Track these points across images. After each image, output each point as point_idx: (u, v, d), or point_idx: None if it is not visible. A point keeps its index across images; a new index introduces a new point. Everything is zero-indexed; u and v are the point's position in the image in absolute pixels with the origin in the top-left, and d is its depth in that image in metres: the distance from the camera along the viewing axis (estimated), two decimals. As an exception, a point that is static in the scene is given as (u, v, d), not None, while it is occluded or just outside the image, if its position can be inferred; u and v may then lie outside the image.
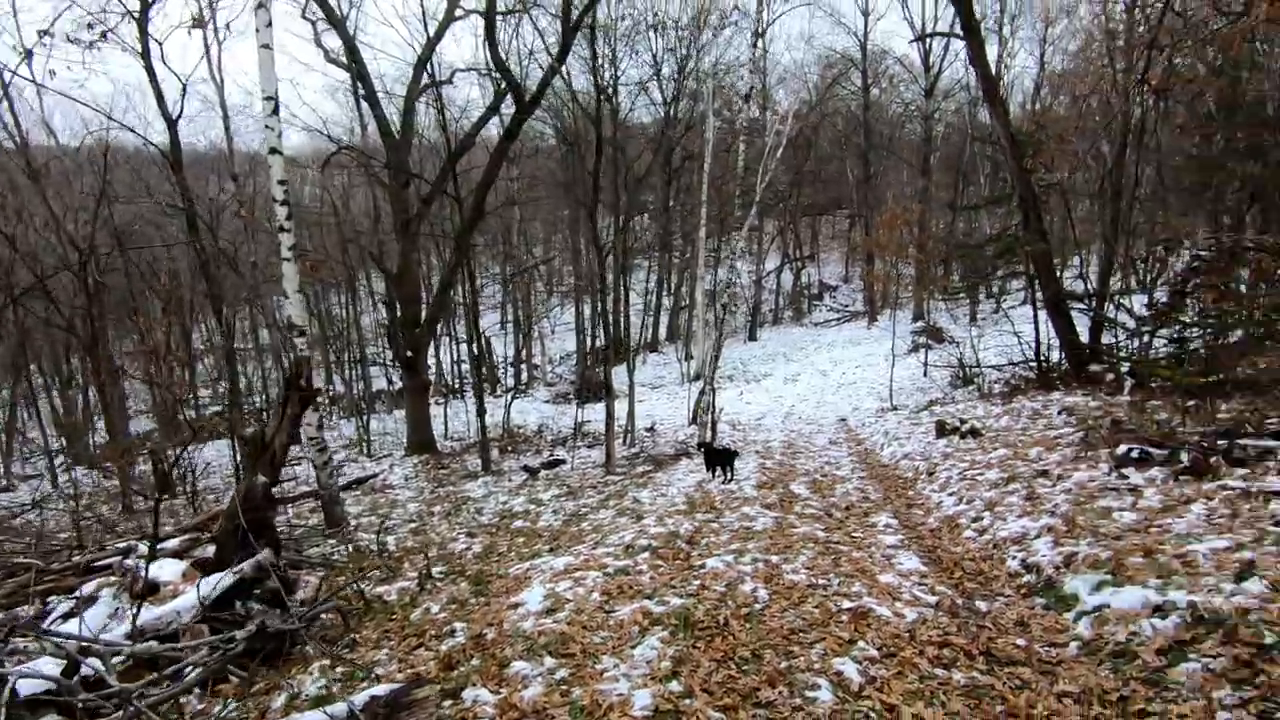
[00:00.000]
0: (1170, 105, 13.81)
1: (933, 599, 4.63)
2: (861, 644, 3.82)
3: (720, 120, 35.72)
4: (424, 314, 17.29)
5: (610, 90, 32.46)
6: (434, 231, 18.89)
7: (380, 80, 16.89)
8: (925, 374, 19.64)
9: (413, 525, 10.35)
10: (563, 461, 14.70)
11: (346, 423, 24.65)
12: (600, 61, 29.81)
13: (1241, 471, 5.95)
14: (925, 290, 20.64)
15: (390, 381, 27.79)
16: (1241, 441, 6.56)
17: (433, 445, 17.64)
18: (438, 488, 13.82)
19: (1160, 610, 3.80)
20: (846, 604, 4.47)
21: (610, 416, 11.87)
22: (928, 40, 26.32)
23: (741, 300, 39.05)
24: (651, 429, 17.98)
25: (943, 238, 25.40)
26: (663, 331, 36.81)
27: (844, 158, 39.67)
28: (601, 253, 10.95)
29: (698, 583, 5.06)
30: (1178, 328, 12.94)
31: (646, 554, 5.94)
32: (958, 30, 14.83)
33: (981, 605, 4.59)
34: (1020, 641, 3.92)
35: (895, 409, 16.06)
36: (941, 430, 10.96)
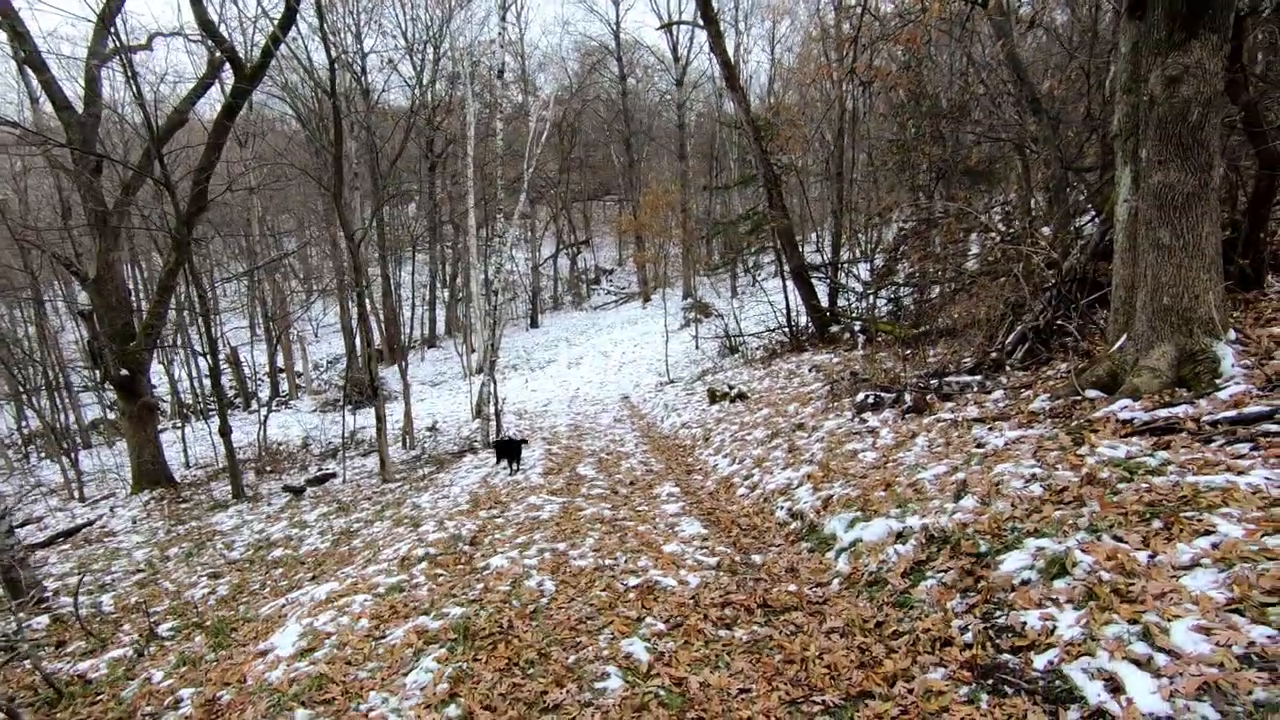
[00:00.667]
0: (874, 96, 15.84)
1: (713, 560, 4.74)
2: (649, 620, 3.75)
3: (482, 104, 34.80)
4: (139, 325, 14.62)
5: (357, 67, 30.12)
6: (150, 226, 15.95)
7: (54, 42, 13.78)
8: (697, 346, 20.82)
9: (140, 576, 8.67)
10: (333, 475, 13.33)
11: (49, 464, 20.33)
12: (339, 33, 27.45)
13: (949, 405, 6.91)
14: (691, 268, 21.85)
15: (109, 409, 23.40)
16: (948, 379, 7.64)
17: (167, 477, 15.07)
18: (175, 526, 11.79)
19: (901, 536, 4.20)
20: (633, 580, 4.41)
21: (380, 420, 10.91)
22: (674, 29, 27.68)
23: (520, 288, 38.66)
24: (434, 428, 17.02)
25: (701, 218, 27.15)
26: (441, 326, 35.19)
27: (609, 143, 40.65)
28: (353, 241, 9.89)
29: (480, 586, 4.71)
30: (893, 288, 15.01)
31: (424, 564, 5.44)
32: (699, 20, 15.67)
33: (757, 559, 4.79)
34: (791, 587, 4.12)
35: (672, 382, 16.80)
36: (713, 397, 11.59)
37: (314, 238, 39.33)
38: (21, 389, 17.60)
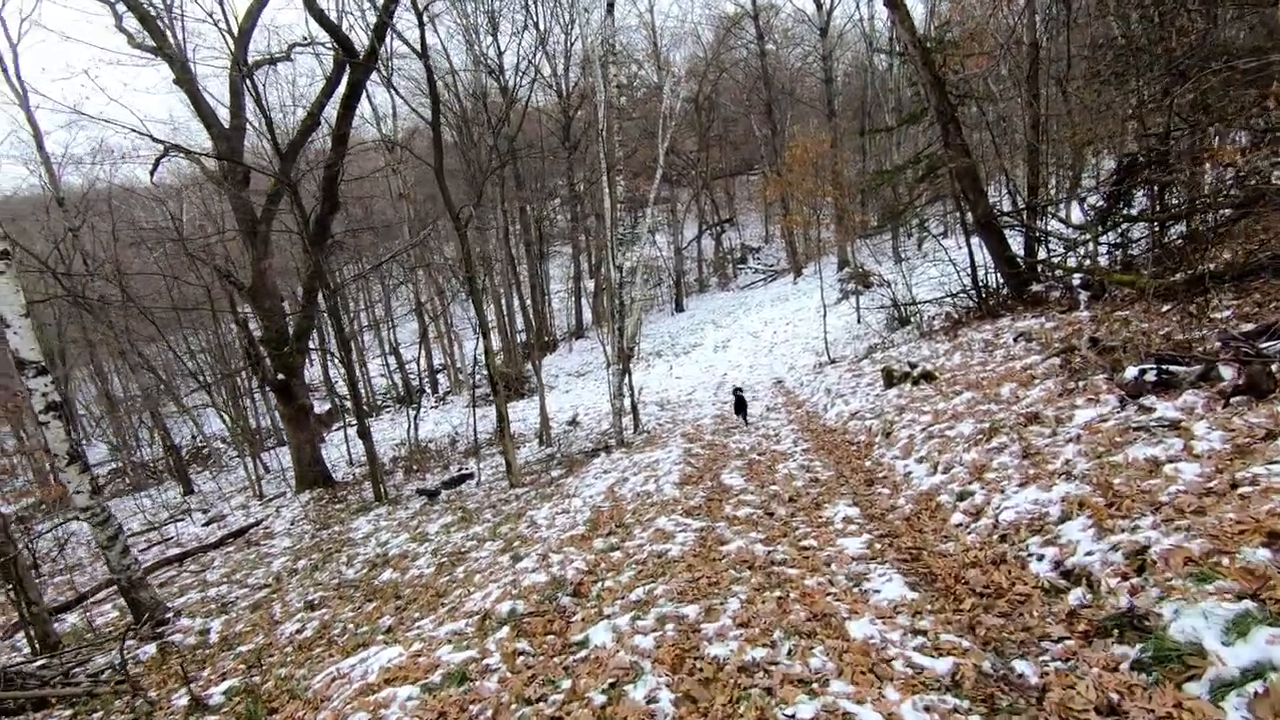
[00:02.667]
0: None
1: (945, 668, 2.72)
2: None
3: (615, 86, 33.61)
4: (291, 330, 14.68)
5: (494, 66, 30.01)
6: (290, 230, 16.07)
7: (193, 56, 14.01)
8: (859, 320, 18.14)
9: (265, 591, 8.04)
10: (470, 476, 12.50)
11: (237, 463, 21.72)
12: (477, 33, 27.29)
13: (1303, 380, 4.27)
14: (846, 234, 19.11)
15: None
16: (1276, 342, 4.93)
17: (326, 478, 15.11)
18: (320, 530, 11.44)
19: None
20: (806, 711, 2.51)
21: (502, 420, 9.71)
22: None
23: (665, 273, 37.26)
24: (574, 421, 15.90)
25: (855, 181, 23.98)
26: (588, 316, 34.64)
27: (749, 114, 38.01)
28: (459, 222, 8.67)
29: (567, 685, 3.03)
30: (1118, 231, 11.63)
31: (507, 630, 3.87)
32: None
33: (1026, 669, 2.70)
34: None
35: (834, 362, 14.41)
36: (890, 378, 9.23)
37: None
38: (223, 398, 18.72)
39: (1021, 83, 13.79)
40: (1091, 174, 15.31)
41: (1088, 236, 11.79)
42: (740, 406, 11.41)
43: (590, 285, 35.25)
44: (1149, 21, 11.42)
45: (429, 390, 29.61)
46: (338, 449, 19.65)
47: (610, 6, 11.09)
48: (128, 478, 26.32)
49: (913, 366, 9.12)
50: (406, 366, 32.98)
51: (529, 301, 33.45)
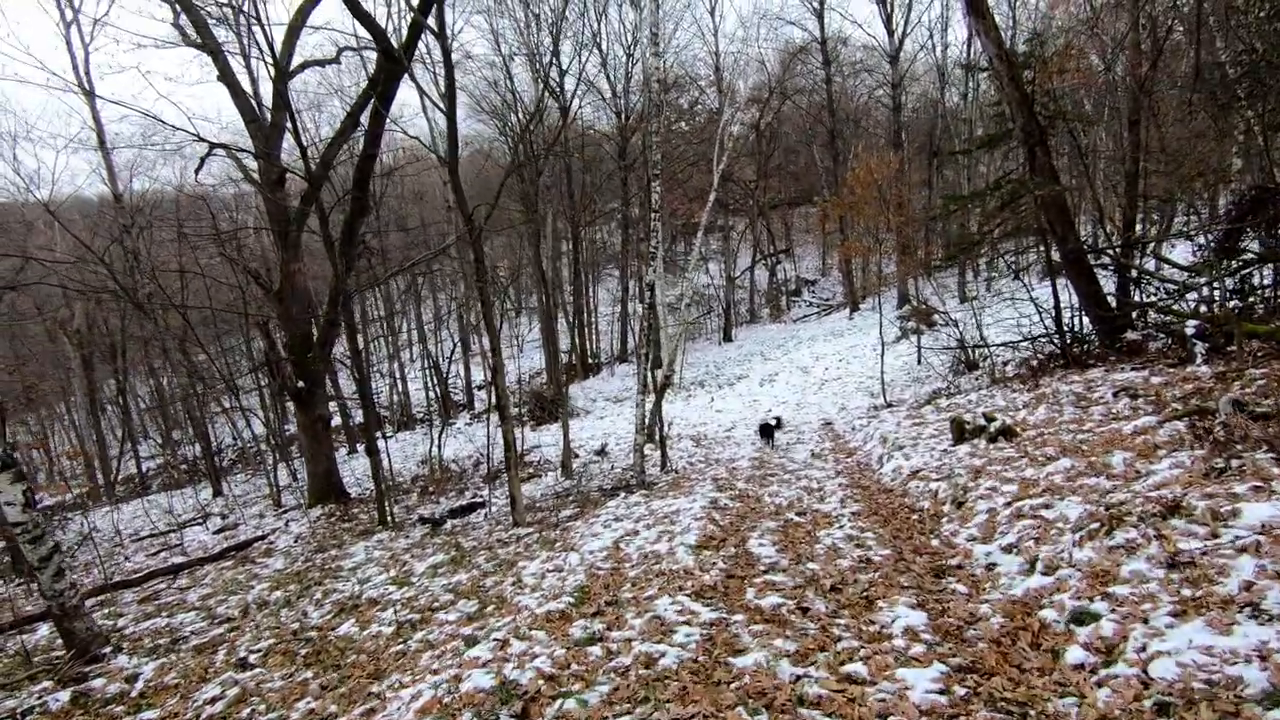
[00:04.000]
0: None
1: None
2: None
3: (672, 110, 32.83)
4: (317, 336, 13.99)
5: (555, 85, 29.63)
6: (315, 233, 15.48)
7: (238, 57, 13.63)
8: (919, 361, 16.47)
9: (224, 628, 7.03)
10: (481, 504, 11.40)
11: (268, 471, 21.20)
12: (540, 55, 26.93)
13: None
14: (909, 267, 17.53)
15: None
16: None
17: (340, 493, 14.27)
18: (315, 554, 10.48)
19: None
20: None
21: (509, 448, 8.56)
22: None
23: (715, 300, 36.00)
24: (603, 450, 14.70)
25: (920, 215, 22.25)
26: (632, 341, 33.57)
27: (811, 143, 36.72)
28: (470, 223, 7.61)
29: None
30: (1236, 274, 9.86)
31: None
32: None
33: None
34: None
35: (890, 406, 12.85)
36: (961, 432, 7.72)
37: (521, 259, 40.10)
38: (235, 399, 18.25)
39: (1122, 105, 12.18)
40: (1193, 210, 13.46)
41: (1201, 279, 10.04)
42: (767, 432, 11.89)
43: (637, 308, 34.26)
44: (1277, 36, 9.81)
45: (467, 405, 28.92)
46: (365, 461, 18.87)
47: None
48: (172, 473, 26.35)
49: (989, 419, 7.60)
50: (449, 381, 32.50)
51: (573, 321, 32.65)
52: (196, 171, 15.14)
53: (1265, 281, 9.61)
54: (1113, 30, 12.09)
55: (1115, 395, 7.90)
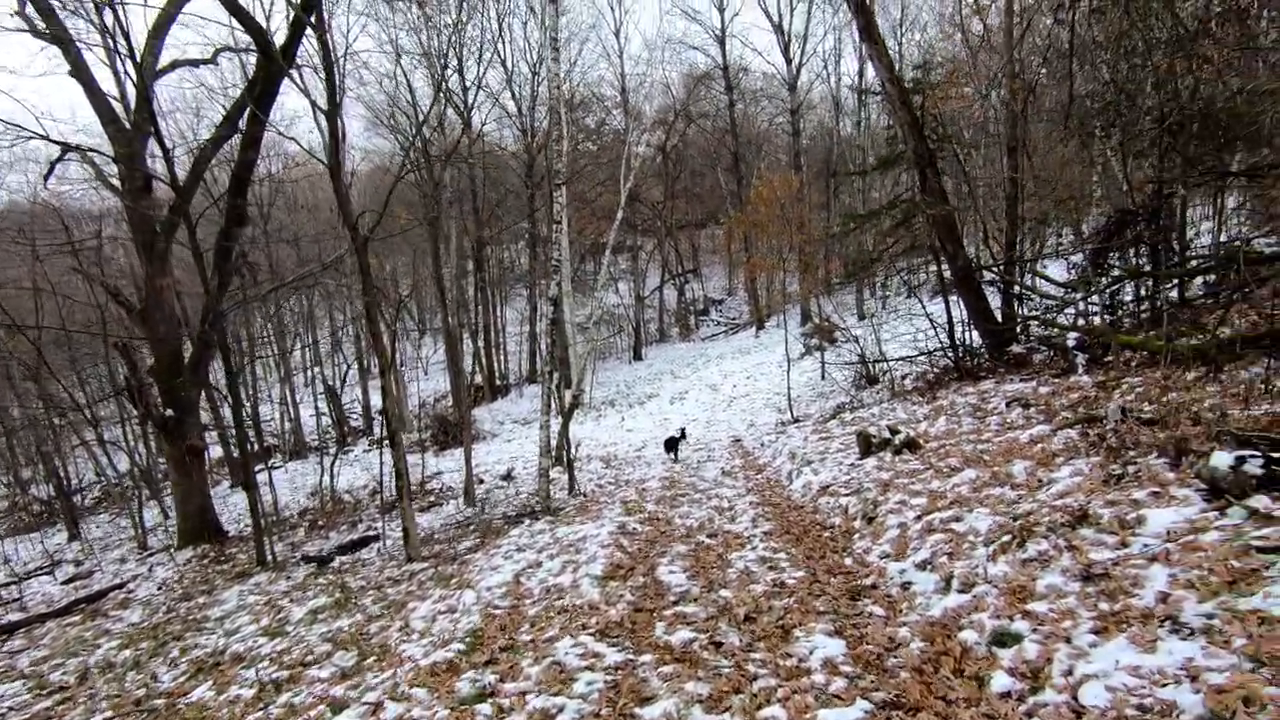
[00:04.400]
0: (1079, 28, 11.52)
1: None
2: None
3: (577, 129, 32.70)
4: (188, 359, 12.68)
5: (456, 97, 28.89)
6: (185, 245, 14.17)
7: (99, 51, 12.29)
8: (823, 377, 16.80)
9: (51, 701, 5.96)
10: (375, 538, 10.52)
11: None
12: (441, 64, 26.15)
13: None
14: (810, 285, 17.96)
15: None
16: None
17: (215, 531, 12.88)
18: (180, 603, 9.31)
19: None
20: None
21: (401, 477, 7.83)
22: (785, 29, 24.15)
23: (624, 320, 35.89)
24: (509, 475, 14.03)
25: (820, 234, 22.93)
26: (541, 361, 32.87)
27: (715, 166, 37.50)
28: (355, 232, 6.94)
29: None
30: (1106, 291, 10.52)
31: None
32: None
33: None
34: None
35: (797, 421, 12.92)
36: (868, 445, 7.69)
37: (422, 278, 38.58)
38: (94, 434, 16.30)
39: (1001, 133, 12.91)
40: (1065, 231, 14.45)
41: (1078, 295, 10.66)
42: (672, 445, 12.38)
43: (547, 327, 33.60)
44: (1139, 70, 10.61)
45: (365, 431, 27.34)
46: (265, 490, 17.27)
47: None
48: (21, 517, 23.28)
49: (893, 432, 7.62)
50: (345, 406, 30.63)
51: (480, 342, 31.64)
52: (45, 177, 13.57)
53: (1129, 297, 10.30)
54: (992, 64, 12.85)
55: (1008, 405, 8.13)
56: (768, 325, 29.34)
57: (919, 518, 5.11)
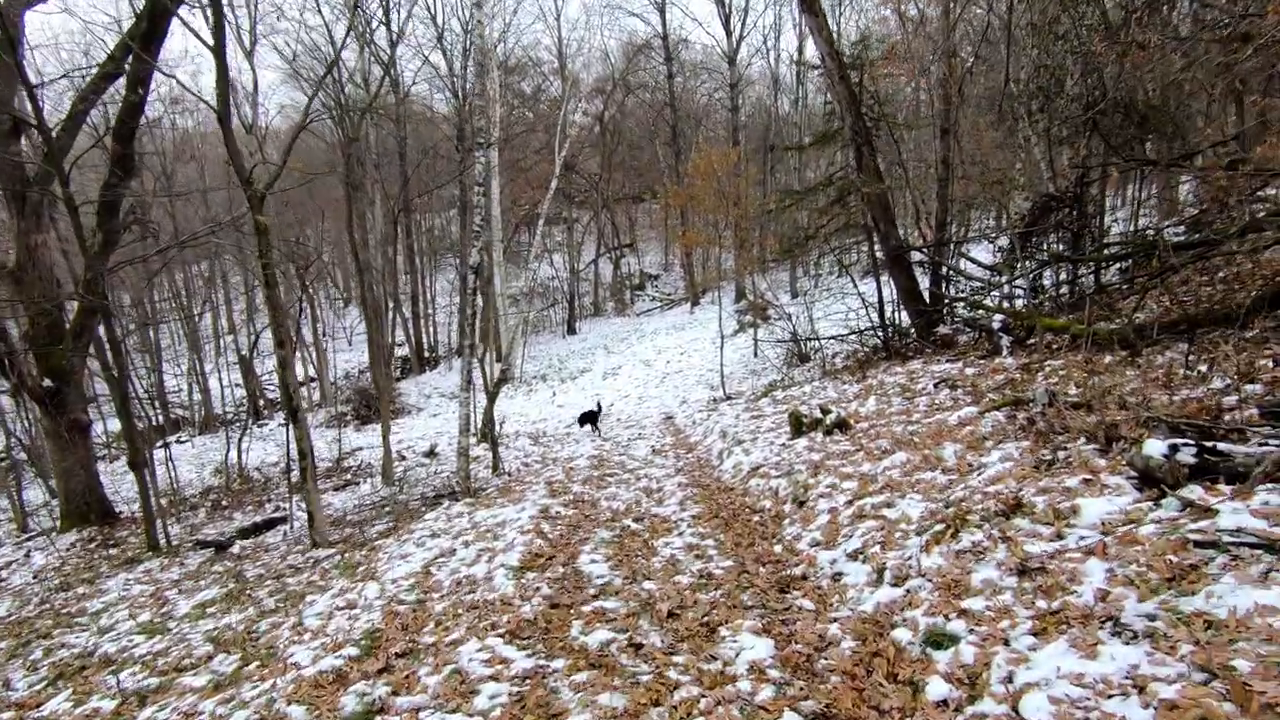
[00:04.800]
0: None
1: None
2: None
3: (512, 94, 31.48)
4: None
5: (381, 55, 27.32)
6: (68, 198, 12.70)
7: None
8: (756, 354, 16.78)
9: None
10: (283, 519, 9.80)
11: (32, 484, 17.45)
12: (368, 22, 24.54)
13: None
14: (746, 262, 17.83)
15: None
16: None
17: (103, 512, 11.80)
18: (56, 593, 8.41)
19: None
20: None
21: (305, 457, 7.20)
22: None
23: (559, 293, 35.18)
24: (432, 452, 13.41)
25: (757, 215, 22.74)
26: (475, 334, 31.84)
27: (654, 140, 36.92)
28: (250, 186, 6.21)
29: None
30: (1029, 274, 10.72)
31: None
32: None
33: None
34: None
35: (729, 399, 12.79)
36: (799, 425, 7.54)
37: (330, 241, 36.65)
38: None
39: (936, 114, 12.94)
40: (995, 215, 14.75)
41: (1002, 278, 10.82)
42: (590, 419, 12.80)
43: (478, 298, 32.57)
44: (1067, 56, 10.73)
45: (282, 404, 25.85)
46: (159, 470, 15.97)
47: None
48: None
49: (824, 412, 7.48)
50: (264, 378, 28.96)
51: (408, 314, 30.40)
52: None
53: (1050, 281, 10.52)
54: (926, 49, 12.82)
55: (936, 386, 8.13)
56: (703, 301, 29.26)
57: (850, 502, 4.94)
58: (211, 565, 8.12)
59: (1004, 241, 11.99)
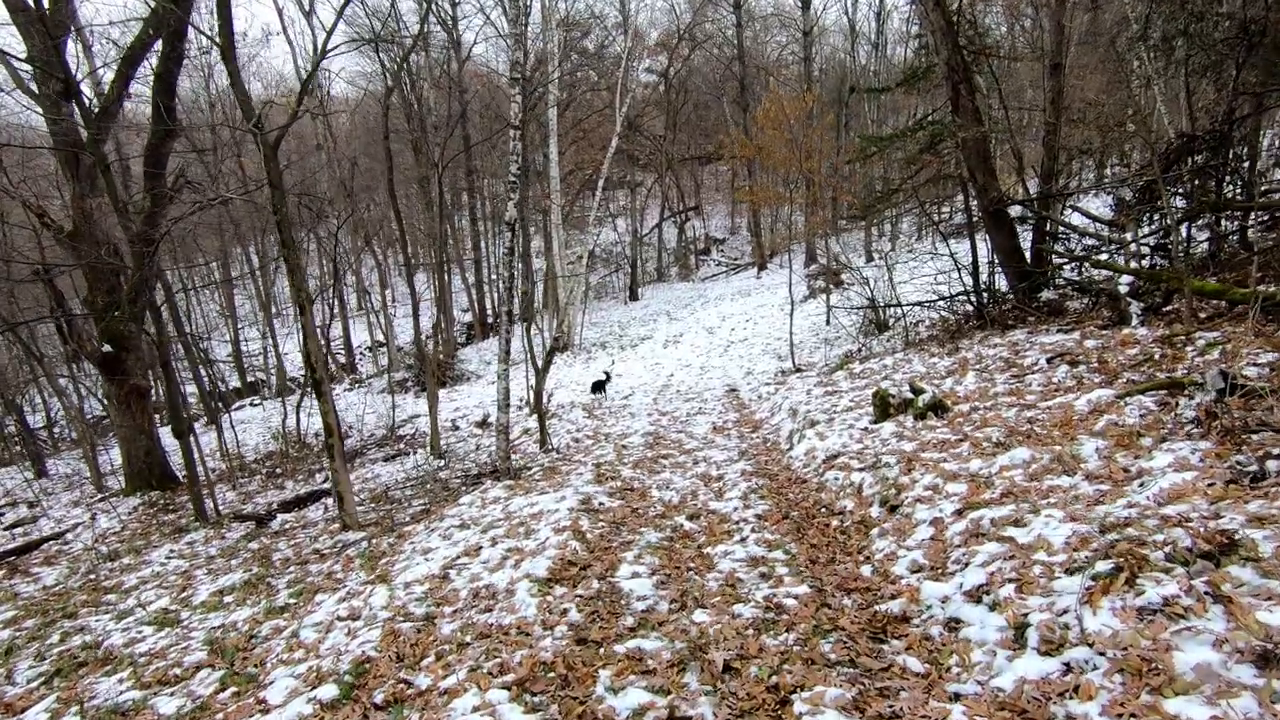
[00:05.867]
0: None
1: None
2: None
3: (578, 54, 30.28)
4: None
5: (447, 17, 26.73)
6: (121, 158, 12.40)
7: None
8: (828, 322, 15.44)
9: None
10: (326, 493, 9.40)
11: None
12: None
13: None
14: (819, 223, 16.35)
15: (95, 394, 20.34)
16: None
17: (164, 476, 11.81)
18: (104, 562, 8.25)
19: None
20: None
21: (331, 433, 6.59)
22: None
23: (622, 259, 34.27)
24: (485, 422, 12.87)
25: (834, 164, 20.86)
26: (538, 300, 31.44)
27: (720, 96, 35.06)
28: (268, 143, 5.50)
29: None
30: (1173, 226, 9.03)
31: None
32: None
33: None
34: None
35: (799, 371, 11.63)
36: (885, 407, 6.40)
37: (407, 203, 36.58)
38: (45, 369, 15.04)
39: (1047, 44, 11.14)
40: (1113, 162, 12.83)
41: (1127, 233, 9.19)
42: (599, 388, 13.28)
43: (539, 264, 32.04)
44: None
45: (348, 369, 26.21)
46: (215, 436, 16.18)
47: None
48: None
49: (915, 391, 6.31)
50: (335, 344, 29.39)
51: (471, 279, 30.14)
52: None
53: (1183, 237, 8.84)
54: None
55: (1050, 362, 6.82)
56: (770, 266, 27.76)
57: (959, 513, 3.87)
58: (248, 541, 7.73)
59: (1124, 195, 10.24)
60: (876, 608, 3.29)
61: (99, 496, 12.84)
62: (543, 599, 3.74)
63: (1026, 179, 11.37)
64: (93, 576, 7.75)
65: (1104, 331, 7.43)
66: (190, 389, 24.39)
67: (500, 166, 36.86)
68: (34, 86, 11.00)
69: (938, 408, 6.08)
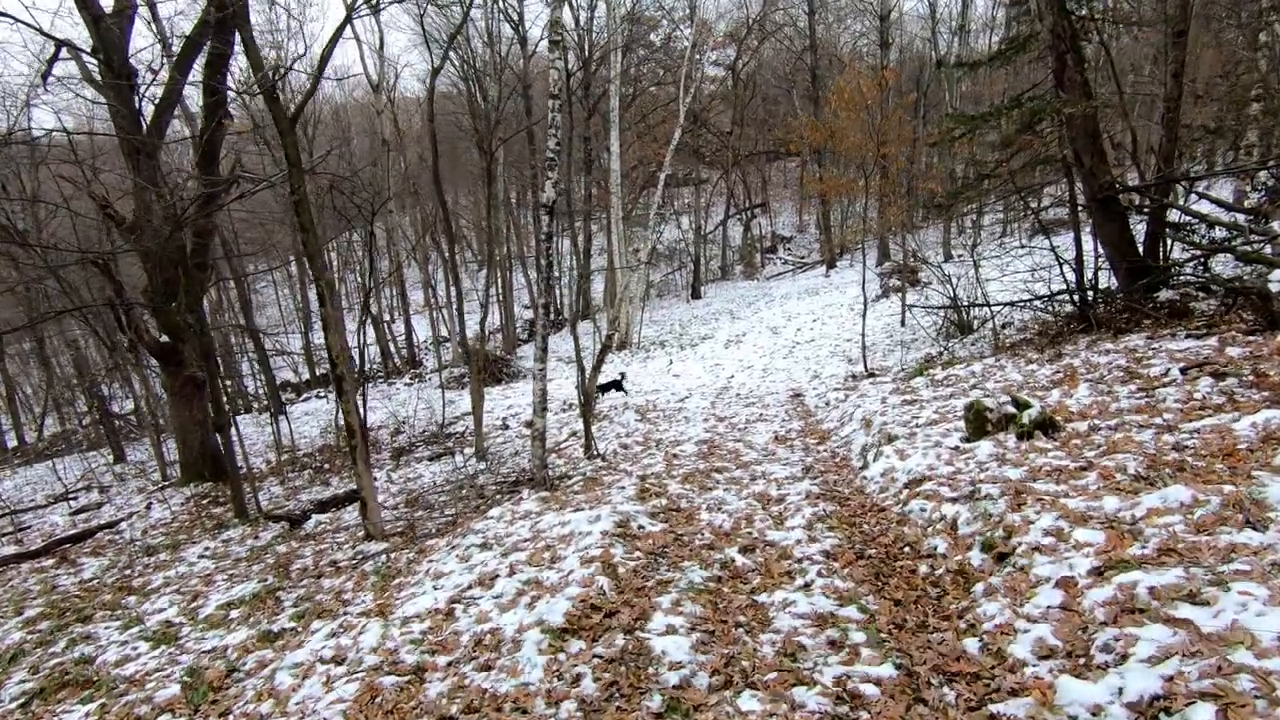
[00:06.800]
0: None
1: None
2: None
3: (642, 48, 29.61)
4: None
5: (514, 14, 26.58)
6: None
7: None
8: (904, 323, 14.19)
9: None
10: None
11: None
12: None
13: None
14: (895, 216, 15.05)
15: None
16: None
17: (217, 468, 11.74)
18: (144, 557, 8.06)
19: None
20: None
21: (353, 434, 6.07)
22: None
23: (685, 255, 33.40)
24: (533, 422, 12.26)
25: (905, 169, 19.31)
26: (597, 297, 30.99)
27: (790, 91, 33.72)
28: (289, 136, 5.00)
29: None
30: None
31: None
32: None
33: None
34: None
35: (872, 375, 10.54)
36: (982, 422, 5.37)
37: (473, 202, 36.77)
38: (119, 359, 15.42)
39: (1168, 13, 9.67)
40: (1234, 147, 11.14)
41: (1273, 222, 7.76)
42: (614, 386, 13.54)
43: (600, 261, 31.57)
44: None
45: (410, 363, 26.36)
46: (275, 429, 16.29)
47: None
48: (86, 435, 23.49)
49: (1020, 406, 5.26)
50: (401, 337, 29.70)
51: (533, 276, 29.90)
52: (44, 76, 12.13)
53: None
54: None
55: (1185, 372, 5.64)
56: (839, 264, 26.35)
57: (1099, 573, 2.90)
58: (278, 543, 7.34)
59: (1266, 178, 8.73)
60: (991, 708, 2.40)
61: (159, 486, 12.97)
62: (553, 657, 3.00)
63: (1142, 164, 9.92)
64: (128, 572, 7.54)
65: (1250, 338, 6.17)
66: (252, 382, 25.01)
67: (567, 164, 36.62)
68: (97, 77, 11.11)
69: (1047, 426, 5.03)
